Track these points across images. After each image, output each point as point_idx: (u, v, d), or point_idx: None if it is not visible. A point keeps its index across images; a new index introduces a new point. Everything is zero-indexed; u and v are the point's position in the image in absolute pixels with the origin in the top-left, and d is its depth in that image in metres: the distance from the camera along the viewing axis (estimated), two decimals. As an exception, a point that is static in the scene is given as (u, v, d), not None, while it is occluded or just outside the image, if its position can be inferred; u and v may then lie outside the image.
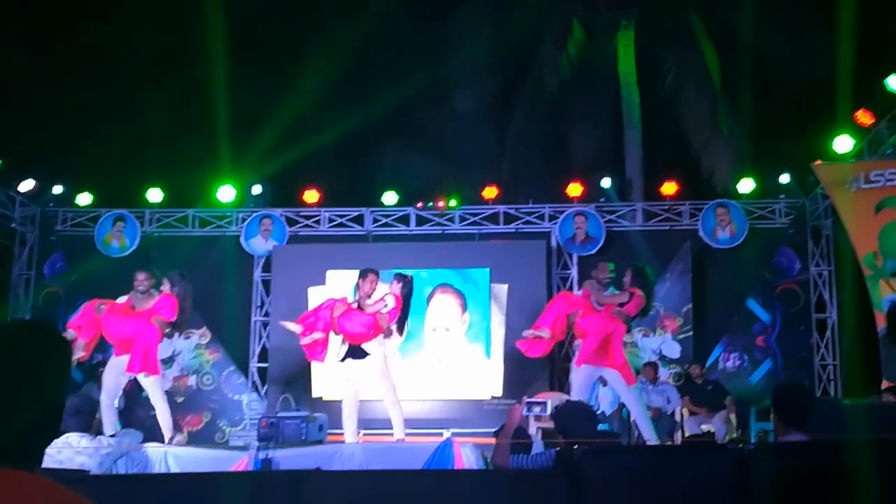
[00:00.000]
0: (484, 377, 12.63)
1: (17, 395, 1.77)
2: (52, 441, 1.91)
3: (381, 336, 8.42)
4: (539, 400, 5.47)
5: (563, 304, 9.15)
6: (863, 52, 10.58)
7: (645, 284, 9.04)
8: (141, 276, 9.60)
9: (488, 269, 12.99)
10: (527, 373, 12.22)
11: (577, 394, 8.57)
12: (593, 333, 8.62)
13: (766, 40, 13.85)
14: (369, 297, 8.65)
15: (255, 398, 13.19)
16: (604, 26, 15.22)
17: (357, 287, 8.89)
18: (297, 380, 12.67)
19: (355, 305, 8.53)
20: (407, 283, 8.80)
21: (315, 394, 12.59)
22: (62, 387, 1.88)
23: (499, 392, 12.51)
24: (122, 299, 9.45)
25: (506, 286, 12.88)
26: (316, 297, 12.96)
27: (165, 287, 9.11)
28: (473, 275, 13.00)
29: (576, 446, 4.41)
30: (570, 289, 13.31)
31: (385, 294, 8.56)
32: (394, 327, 8.53)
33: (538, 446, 5.24)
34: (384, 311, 8.36)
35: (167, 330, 8.98)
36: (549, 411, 5.08)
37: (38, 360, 1.82)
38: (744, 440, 8.57)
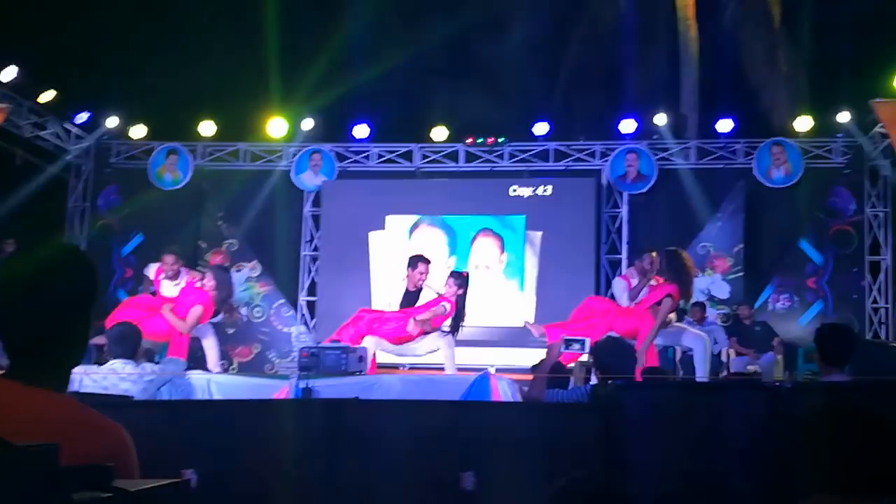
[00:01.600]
0: (518, 307, 13.00)
1: (47, 317, 1.83)
2: (78, 363, 1.95)
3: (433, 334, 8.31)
4: (578, 337, 5.46)
5: (592, 309, 8.75)
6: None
7: (681, 270, 8.45)
8: (169, 260, 9.61)
9: (524, 217, 13.24)
10: (557, 305, 12.34)
11: None
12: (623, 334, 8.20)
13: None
14: (416, 287, 8.60)
15: (303, 331, 13.37)
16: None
17: (406, 277, 8.84)
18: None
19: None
20: (463, 283, 8.66)
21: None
22: (88, 311, 1.92)
23: (531, 319, 12.54)
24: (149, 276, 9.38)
25: (539, 233, 13.19)
26: (376, 241, 13.18)
27: (208, 282, 8.85)
28: (511, 221, 13.34)
29: (609, 383, 4.42)
30: (619, 228, 13.24)
31: (440, 301, 8.39)
32: (447, 327, 8.38)
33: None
34: (441, 314, 8.25)
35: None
36: (587, 349, 5.07)
37: (68, 284, 1.87)
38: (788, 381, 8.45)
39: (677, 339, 8.83)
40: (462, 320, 8.59)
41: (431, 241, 13.49)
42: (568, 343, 5.27)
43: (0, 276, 1.89)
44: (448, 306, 8.22)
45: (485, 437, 4.39)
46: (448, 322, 8.34)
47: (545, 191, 13.17)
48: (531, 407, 4.72)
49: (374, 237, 13.35)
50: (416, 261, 8.91)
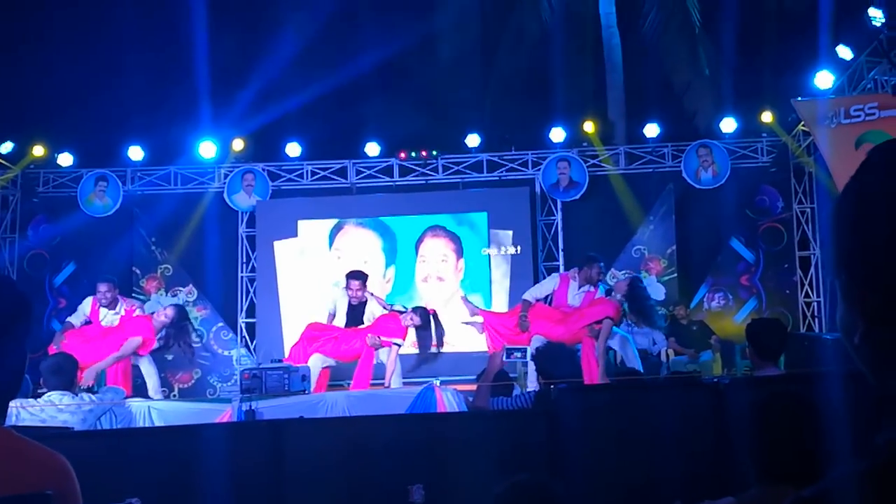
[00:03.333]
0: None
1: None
2: (14, 395, 1.93)
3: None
4: (518, 347, 5.51)
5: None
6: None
7: (638, 299, 8.81)
8: (103, 288, 9.42)
9: (486, 213, 12.91)
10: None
11: None
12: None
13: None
14: (359, 302, 8.63)
15: (244, 353, 13.25)
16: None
17: (346, 289, 8.85)
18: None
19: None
20: (424, 317, 8.52)
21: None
22: (21, 340, 1.91)
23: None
24: (84, 310, 9.22)
25: (510, 232, 12.78)
26: (282, 251, 12.97)
27: (164, 315, 8.66)
28: (470, 217, 12.86)
29: (552, 387, 4.47)
30: (556, 235, 13.36)
31: (395, 327, 8.30)
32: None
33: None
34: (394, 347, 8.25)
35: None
36: (528, 356, 5.12)
37: (8, 319, 1.85)
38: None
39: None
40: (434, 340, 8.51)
41: (360, 246, 13.01)
42: (509, 351, 5.32)
43: None
44: (400, 342, 8.21)
45: (432, 448, 4.42)
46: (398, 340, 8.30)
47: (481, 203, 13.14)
48: (476, 416, 4.75)
49: (280, 247, 13.02)
50: (348, 278, 8.91)
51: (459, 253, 12.90)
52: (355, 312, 8.88)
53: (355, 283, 8.84)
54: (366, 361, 7.89)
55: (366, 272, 9.21)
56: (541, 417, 4.49)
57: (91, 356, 7.98)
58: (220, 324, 13.39)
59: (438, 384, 5.84)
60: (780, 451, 2.43)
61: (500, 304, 12.45)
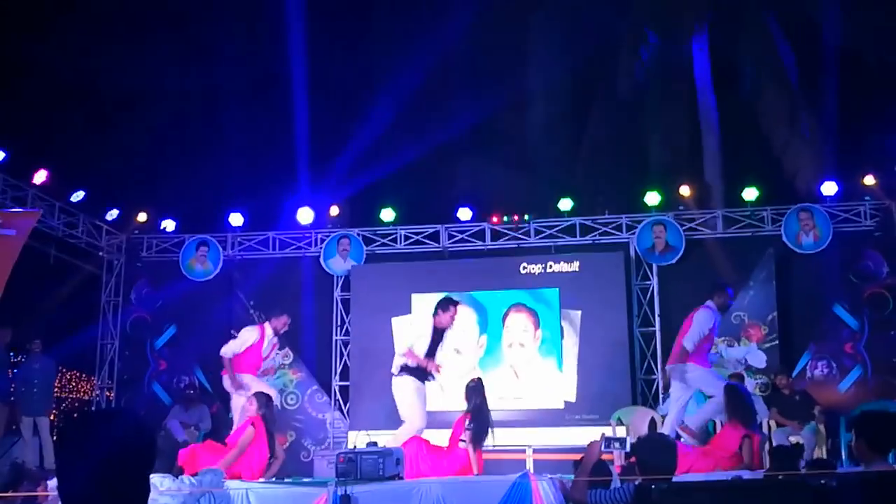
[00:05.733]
0: (557, 388, 12.84)
1: (124, 489, 1.94)
2: None
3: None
4: (618, 436, 5.40)
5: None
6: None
7: (739, 408, 8.95)
8: (285, 319, 10.04)
9: (557, 290, 13.14)
10: (596, 383, 12.53)
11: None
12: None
13: (848, 33, 13.50)
14: (442, 328, 9.07)
15: (338, 416, 13.33)
16: (677, 30, 14.97)
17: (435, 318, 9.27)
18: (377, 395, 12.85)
19: None
20: (477, 390, 8.88)
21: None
22: (147, 475, 2.05)
23: (572, 398, 12.75)
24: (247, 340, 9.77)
25: (579, 312, 13.03)
26: (399, 327, 13.18)
27: (251, 407, 8.70)
28: (545, 294, 13.21)
29: (653, 486, 4.35)
30: (651, 300, 13.16)
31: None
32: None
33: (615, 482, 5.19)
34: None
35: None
36: (627, 447, 5.01)
37: (140, 454, 2.00)
38: (831, 463, 8.35)
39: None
40: (487, 426, 8.66)
41: (460, 319, 13.41)
42: (608, 441, 5.21)
43: (68, 446, 1.96)
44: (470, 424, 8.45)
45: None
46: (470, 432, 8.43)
47: (573, 266, 13.14)
48: (574, 514, 4.66)
49: (397, 323, 13.31)
50: (448, 304, 9.34)
51: (537, 324, 13.20)
52: (435, 337, 9.30)
53: (453, 309, 9.37)
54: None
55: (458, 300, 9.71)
56: (641, 518, 4.37)
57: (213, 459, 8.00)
58: (315, 387, 13.53)
59: (527, 472, 5.77)
60: None
61: (569, 364, 12.91)
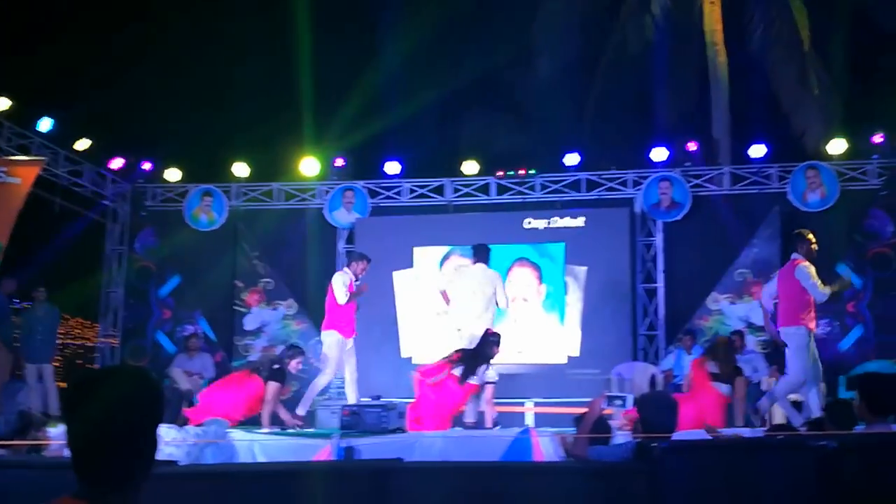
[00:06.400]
0: (560, 343, 12.91)
1: (135, 443, 1.97)
2: (147, 478, 2.04)
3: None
4: (620, 394, 5.44)
5: None
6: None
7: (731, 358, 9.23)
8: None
9: (563, 244, 13.08)
10: (599, 339, 12.48)
11: None
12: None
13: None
14: None
15: (340, 368, 13.40)
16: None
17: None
18: (384, 344, 12.94)
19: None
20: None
21: (404, 354, 13.05)
22: (155, 431, 2.06)
23: (576, 353, 12.79)
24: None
25: (585, 269, 12.98)
26: (401, 281, 13.19)
27: (296, 364, 9.01)
28: (549, 249, 13.16)
29: (655, 444, 4.39)
30: (655, 256, 13.16)
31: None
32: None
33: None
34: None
35: None
36: (629, 405, 5.05)
37: (149, 413, 2.02)
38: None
39: None
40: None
41: (464, 272, 13.46)
42: (610, 399, 5.25)
43: (76, 404, 1.98)
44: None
45: (529, 501, 4.38)
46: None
47: (578, 222, 13.13)
48: (575, 470, 4.69)
49: (398, 277, 13.30)
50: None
51: (541, 279, 13.21)
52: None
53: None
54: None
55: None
56: (641, 475, 4.41)
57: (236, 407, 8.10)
58: (318, 338, 13.52)
59: (528, 428, 5.82)
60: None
61: (573, 319, 12.95)
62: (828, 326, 12.61)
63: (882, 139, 12.52)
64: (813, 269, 8.58)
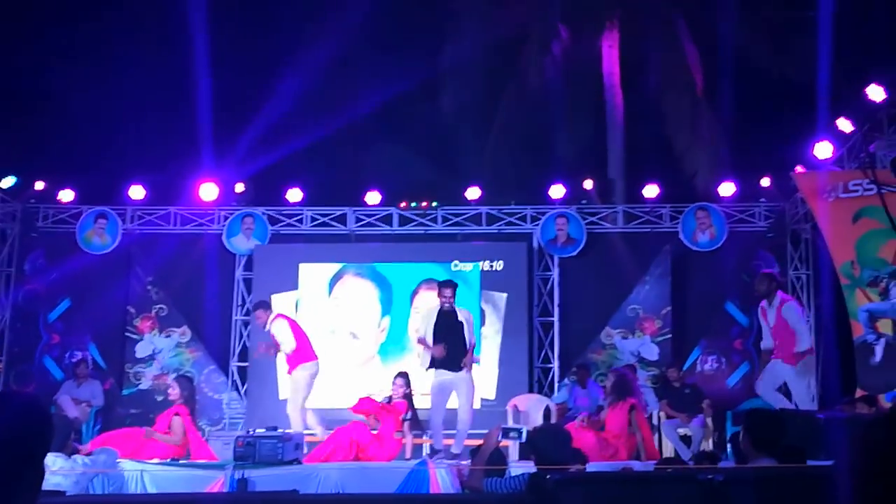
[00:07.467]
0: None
1: (19, 473, 1.87)
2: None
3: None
4: (516, 426, 5.52)
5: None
6: (844, 57, 10.68)
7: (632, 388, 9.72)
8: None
9: (478, 265, 12.88)
10: (502, 371, 12.39)
11: None
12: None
13: (749, 42, 13.91)
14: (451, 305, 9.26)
15: (235, 397, 13.21)
16: (588, 26, 15.22)
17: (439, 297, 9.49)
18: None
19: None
20: (408, 381, 9.31)
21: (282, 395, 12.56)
22: (41, 460, 1.97)
23: (491, 395, 12.40)
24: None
25: (504, 295, 12.83)
26: (279, 304, 12.80)
27: (173, 392, 9.22)
28: (464, 273, 12.80)
29: (548, 476, 4.47)
30: (552, 290, 13.39)
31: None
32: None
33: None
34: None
35: None
36: (524, 438, 5.13)
37: (35, 443, 1.92)
38: (714, 454, 8.67)
39: None
40: (415, 420, 9.13)
41: (357, 295, 13.07)
42: (506, 431, 5.32)
43: None
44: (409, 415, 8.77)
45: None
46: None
47: (492, 266, 13.07)
48: (469, 502, 4.75)
49: (277, 299, 12.74)
50: (440, 286, 9.57)
51: None
52: (449, 319, 9.29)
53: (447, 292, 9.37)
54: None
55: (456, 283, 9.74)
56: (535, 508, 4.49)
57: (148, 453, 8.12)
58: (212, 367, 13.36)
59: (425, 458, 5.84)
60: None
61: (490, 357, 12.53)
62: (715, 363, 13.05)
63: (769, 183, 13.06)
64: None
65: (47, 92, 14.13)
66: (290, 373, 9.80)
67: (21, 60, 13.93)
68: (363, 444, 7.68)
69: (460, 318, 9.24)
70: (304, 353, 9.88)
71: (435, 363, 9.13)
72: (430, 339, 9.13)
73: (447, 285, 9.54)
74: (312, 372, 9.81)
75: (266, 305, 10.52)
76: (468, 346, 9.12)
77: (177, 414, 8.59)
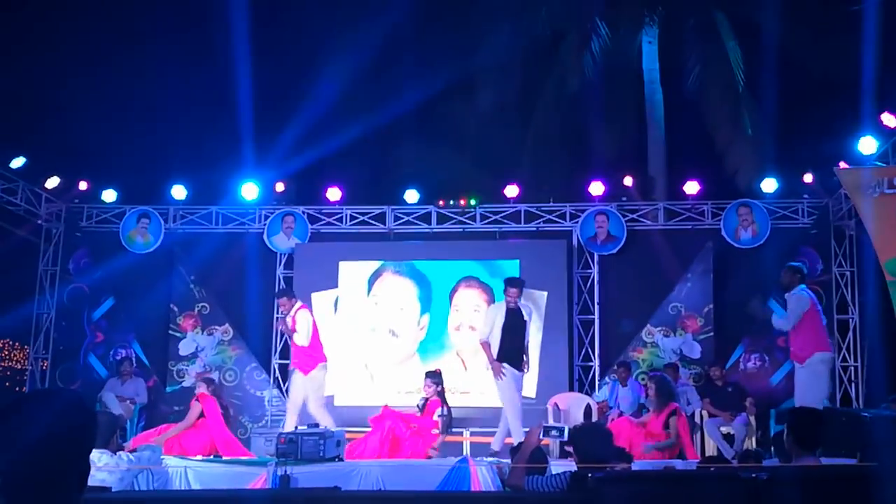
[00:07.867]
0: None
1: (65, 470, 1.92)
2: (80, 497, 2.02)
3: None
4: (557, 425, 5.50)
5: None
6: (889, 52, 10.53)
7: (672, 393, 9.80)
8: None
9: (518, 262, 12.82)
10: (542, 370, 12.29)
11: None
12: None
13: (792, 38, 13.76)
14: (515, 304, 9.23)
15: (276, 394, 13.31)
16: (628, 23, 15.12)
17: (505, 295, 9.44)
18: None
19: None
20: (439, 380, 9.33)
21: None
22: (86, 457, 2.01)
23: (532, 394, 12.05)
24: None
25: (545, 293, 12.72)
26: (319, 302, 12.99)
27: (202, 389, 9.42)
28: (503, 267, 12.75)
29: (590, 475, 4.45)
30: (592, 288, 13.32)
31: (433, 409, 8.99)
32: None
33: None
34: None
35: None
36: (566, 436, 5.12)
37: (80, 439, 1.98)
38: (758, 453, 8.58)
39: None
40: (450, 417, 9.02)
41: (397, 294, 13.09)
42: (547, 430, 5.31)
43: (3, 428, 1.94)
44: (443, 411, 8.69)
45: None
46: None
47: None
48: (511, 500, 4.75)
49: (317, 298, 12.97)
50: (506, 285, 9.49)
51: (491, 303, 12.53)
52: (515, 317, 9.31)
53: (513, 291, 9.35)
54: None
55: (522, 279, 9.84)
56: (576, 505, 4.48)
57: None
58: (254, 364, 13.46)
59: (466, 456, 5.85)
60: None
61: (531, 356, 12.41)
62: (758, 361, 12.90)
63: (812, 179, 12.89)
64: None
65: (90, 93, 14.32)
66: (307, 373, 9.83)
67: (65, 61, 14.12)
68: (399, 437, 7.75)
69: (525, 317, 9.22)
70: (319, 352, 9.98)
71: (501, 359, 9.16)
72: (497, 337, 9.11)
73: (514, 283, 9.51)
74: (325, 372, 10.00)
75: (290, 294, 10.65)
76: (526, 346, 9.15)
77: (197, 400, 8.88)
